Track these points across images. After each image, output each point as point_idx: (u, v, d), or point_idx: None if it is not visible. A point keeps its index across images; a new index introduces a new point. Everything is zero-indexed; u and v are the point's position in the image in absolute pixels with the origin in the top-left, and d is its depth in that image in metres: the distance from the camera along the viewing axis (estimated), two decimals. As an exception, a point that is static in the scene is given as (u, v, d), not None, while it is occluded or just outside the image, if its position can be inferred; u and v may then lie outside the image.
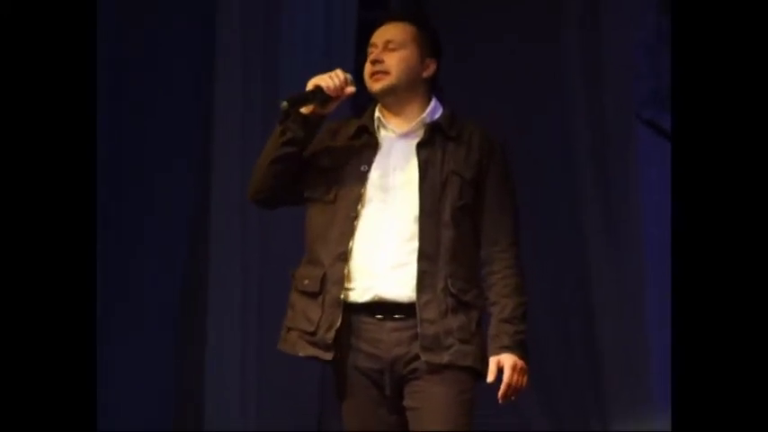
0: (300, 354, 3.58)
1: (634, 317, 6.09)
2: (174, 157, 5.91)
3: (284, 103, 3.54)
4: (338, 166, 3.61)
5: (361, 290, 3.54)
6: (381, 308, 3.54)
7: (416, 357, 3.51)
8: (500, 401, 3.53)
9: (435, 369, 3.51)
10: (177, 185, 5.94)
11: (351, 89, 3.62)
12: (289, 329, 3.61)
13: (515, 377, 3.51)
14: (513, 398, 3.54)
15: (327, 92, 3.58)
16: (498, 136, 3.68)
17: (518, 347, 3.52)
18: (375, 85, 3.62)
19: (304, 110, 3.58)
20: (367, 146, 3.62)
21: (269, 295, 5.71)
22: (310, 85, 3.58)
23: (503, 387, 3.51)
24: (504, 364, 3.51)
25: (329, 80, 3.57)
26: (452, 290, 3.52)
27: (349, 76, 3.61)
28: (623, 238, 6.14)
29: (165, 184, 5.89)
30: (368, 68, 3.64)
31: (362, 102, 3.75)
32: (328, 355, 3.54)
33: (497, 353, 3.52)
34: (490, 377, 3.51)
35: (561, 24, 6.24)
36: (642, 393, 6.05)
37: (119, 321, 5.79)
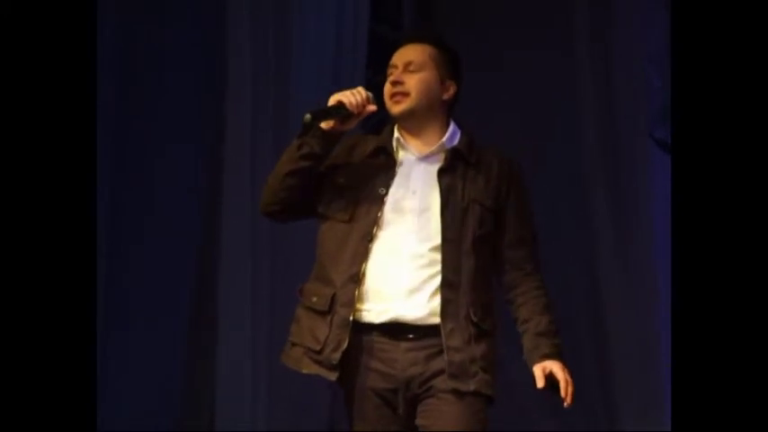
0: (304, 371, 3.59)
1: (644, 324, 6.06)
2: (186, 159, 5.90)
3: (307, 116, 3.54)
4: (355, 185, 3.61)
5: (376, 312, 3.55)
6: (398, 329, 3.55)
7: (432, 377, 3.53)
8: (568, 402, 3.53)
9: (451, 391, 3.53)
10: (189, 186, 5.92)
11: (372, 107, 3.62)
12: (293, 344, 3.61)
13: (567, 375, 3.54)
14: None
15: (350, 108, 3.58)
16: (514, 159, 3.68)
17: (559, 355, 3.57)
18: (395, 107, 3.62)
19: (324, 125, 3.56)
20: (385, 166, 3.62)
21: (280, 297, 5.70)
22: (332, 101, 3.59)
23: (562, 384, 3.52)
24: (552, 368, 3.54)
25: (352, 97, 3.58)
26: (474, 318, 3.55)
27: (370, 95, 3.61)
28: (634, 248, 6.10)
29: (177, 184, 5.88)
30: (388, 89, 3.64)
31: (373, 119, 3.74)
32: (333, 375, 3.54)
33: (540, 360, 3.56)
34: (540, 383, 3.54)
35: (573, 39, 6.22)
36: (652, 398, 6.01)
37: (129, 323, 5.78)
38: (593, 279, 6.17)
